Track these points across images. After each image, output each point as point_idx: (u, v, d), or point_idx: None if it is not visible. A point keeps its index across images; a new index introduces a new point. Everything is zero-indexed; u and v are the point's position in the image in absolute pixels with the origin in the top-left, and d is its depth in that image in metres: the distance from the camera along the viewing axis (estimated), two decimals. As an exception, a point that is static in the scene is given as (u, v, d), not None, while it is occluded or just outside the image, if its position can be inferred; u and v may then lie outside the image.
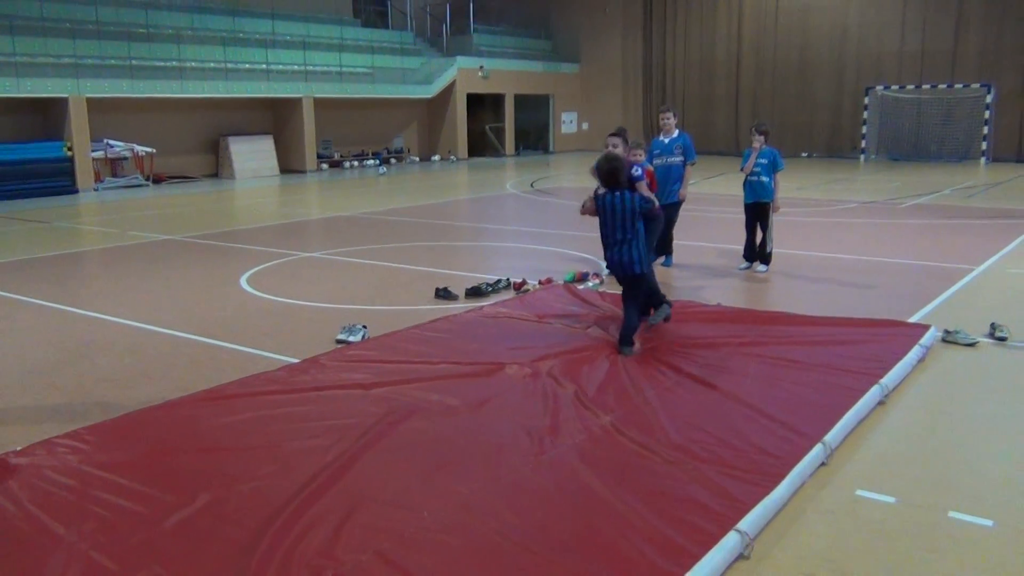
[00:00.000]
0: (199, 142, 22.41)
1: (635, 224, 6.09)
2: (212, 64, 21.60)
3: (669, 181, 9.36)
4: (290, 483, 3.89)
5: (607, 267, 6.19)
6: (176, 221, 13.94)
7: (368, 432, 4.49)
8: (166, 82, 20.19)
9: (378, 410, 4.82)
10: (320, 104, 23.66)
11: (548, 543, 3.40)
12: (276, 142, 23.43)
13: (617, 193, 6.15)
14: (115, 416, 4.86)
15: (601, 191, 6.32)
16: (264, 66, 22.74)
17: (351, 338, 6.49)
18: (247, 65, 22.40)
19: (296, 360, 5.92)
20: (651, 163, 9.51)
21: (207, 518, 3.62)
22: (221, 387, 5.29)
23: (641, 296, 6.28)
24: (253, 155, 22.73)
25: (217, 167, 22.57)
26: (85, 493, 3.85)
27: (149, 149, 20.13)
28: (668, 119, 9.46)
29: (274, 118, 23.87)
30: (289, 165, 23.51)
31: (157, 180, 20.58)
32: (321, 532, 3.46)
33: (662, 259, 9.44)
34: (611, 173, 6.19)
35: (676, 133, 9.44)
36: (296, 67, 23.57)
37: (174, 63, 20.78)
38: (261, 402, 4.98)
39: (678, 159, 9.33)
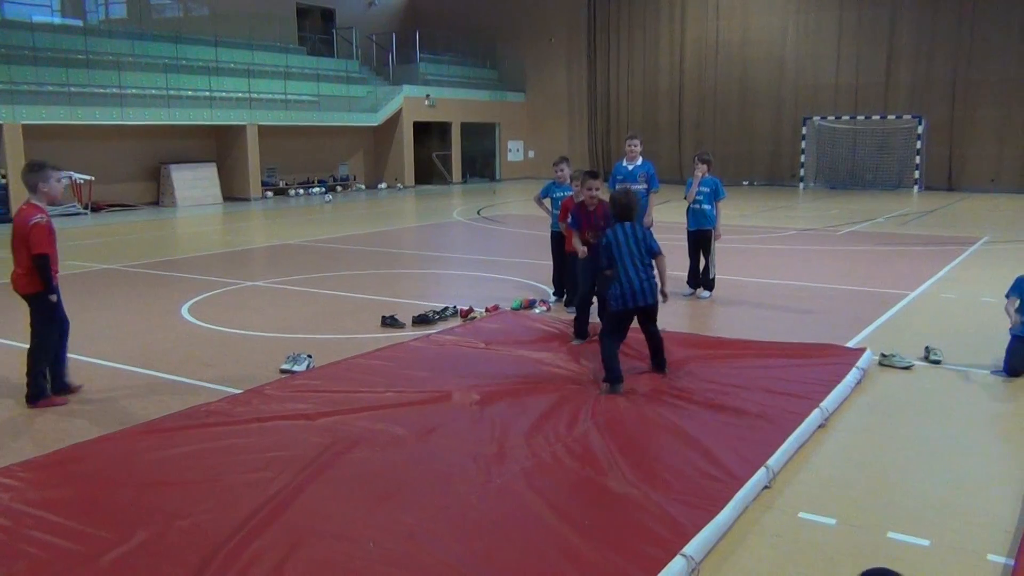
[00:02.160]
0: (140, 170, 22.01)
1: (648, 254, 6.16)
2: (154, 91, 21.30)
3: None
4: (231, 518, 3.80)
5: (613, 300, 6.04)
6: (115, 250, 13.65)
7: (312, 463, 4.43)
8: (106, 109, 19.83)
9: (323, 440, 4.75)
10: (265, 132, 23.46)
11: (495, 572, 3.38)
12: (220, 170, 23.14)
13: (628, 225, 6.21)
14: (49, 451, 4.71)
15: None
16: (207, 93, 22.50)
17: (296, 368, 6.41)
18: (190, 92, 22.13)
19: (239, 391, 5.82)
20: (613, 188, 9.62)
21: (145, 556, 3.52)
22: (160, 420, 5.17)
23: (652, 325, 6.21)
24: (195, 183, 22.40)
25: (158, 195, 22.18)
26: (17, 532, 3.72)
27: (88, 177, 19.69)
28: (635, 146, 9.56)
29: (217, 145, 23.59)
30: (233, 193, 23.22)
31: (96, 208, 20.14)
32: (263, 568, 3.39)
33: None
34: (627, 207, 6.28)
35: (640, 161, 9.56)
36: (240, 95, 23.36)
37: (114, 90, 20.43)
38: (201, 435, 4.87)
39: (642, 186, 9.45)
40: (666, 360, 6.19)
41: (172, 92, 21.61)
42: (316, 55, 28.54)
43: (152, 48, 22.53)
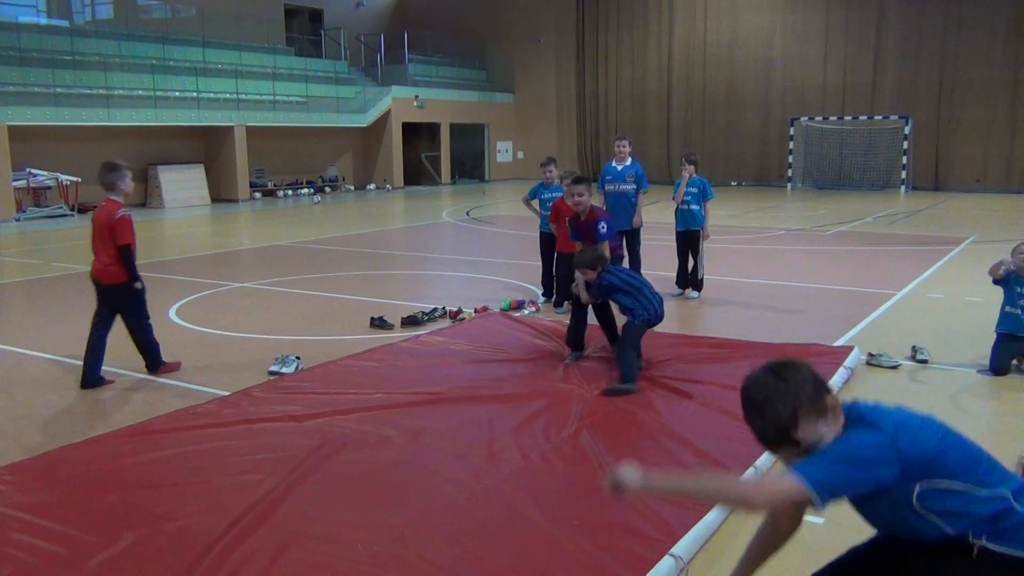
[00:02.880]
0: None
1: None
2: (141, 92, 21.20)
3: (620, 208, 9.51)
4: (219, 520, 3.79)
5: (639, 319, 6.17)
6: (102, 252, 13.55)
7: (300, 465, 4.42)
8: (92, 110, 19.73)
9: (311, 442, 4.74)
10: (253, 133, 23.38)
11: (484, 573, 3.38)
12: (207, 171, 23.04)
13: (611, 268, 6.47)
14: (35, 455, 4.68)
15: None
16: (195, 94, 22.41)
17: (284, 369, 6.39)
18: (177, 93, 22.05)
19: (227, 393, 5.80)
20: (602, 188, 9.65)
21: (131, 559, 3.50)
22: (147, 422, 5.15)
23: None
24: (183, 184, 22.31)
25: (146, 196, 22.07)
26: (2, 536, 3.70)
27: (74, 178, 19.59)
28: (623, 147, 9.60)
29: (205, 147, 23.50)
30: (221, 194, 23.14)
31: (83, 210, 20.00)
32: (252, 570, 3.38)
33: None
34: (597, 258, 6.40)
35: (629, 161, 9.59)
36: (228, 95, 23.28)
37: (101, 91, 20.33)
38: (189, 437, 4.86)
39: (630, 187, 9.48)
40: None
41: (159, 93, 21.53)
42: (304, 56, 28.47)
43: (139, 49, 22.43)
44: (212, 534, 3.66)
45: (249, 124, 23.22)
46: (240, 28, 25.54)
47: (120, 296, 6.19)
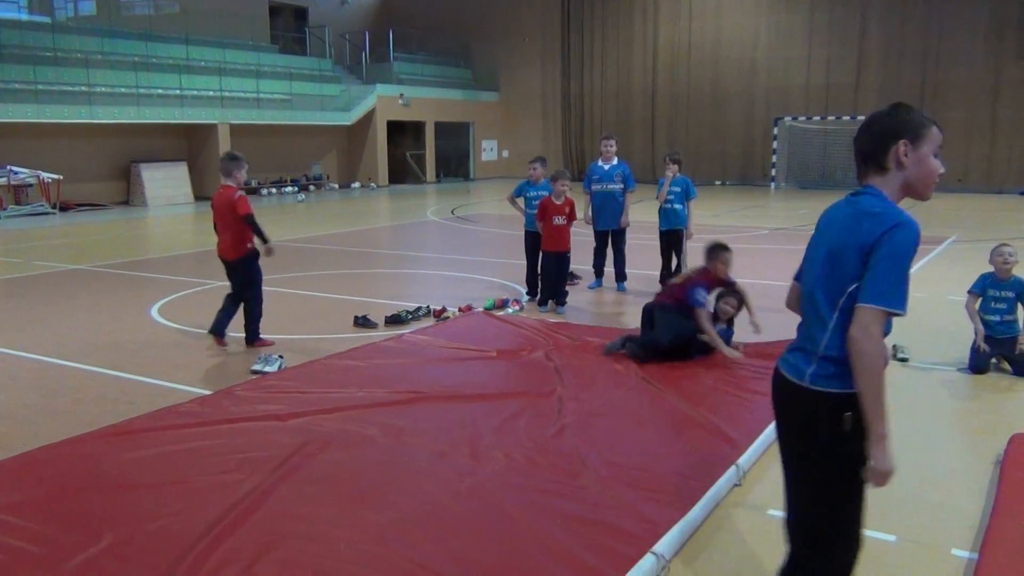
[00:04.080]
0: (109, 169, 21.76)
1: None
2: (123, 89, 21.06)
3: (607, 208, 9.54)
4: (200, 520, 3.77)
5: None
6: (84, 250, 13.48)
7: (283, 464, 4.40)
8: (74, 107, 19.58)
9: (294, 441, 4.73)
10: (236, 130, 23.27)
11: (466, 572, 3.39)
12: (190, 169, 22.92)
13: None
14: (14, 455, 4.65)
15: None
16: (178, 92, 22.28)
17: (267, 368, 6.36)
18: (160, 91, 21.91)
19: (209, 392, 5.77)
20: (588, 188, 9.68)
21: (111, 560, 3.48)
22: (128, 422, 5.12)
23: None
24: (166, 182, 22.18)
25: (128, 194, 21.94)
26: (-20, 537, 3.67)
27: (56, 176, 19.45)
28: (610, 146, 9.63)
29: (188, 144, 23.38)
30: (204, 192, 22.98)
31: (64, 208, 19.88)
32: (233, 570, 3.37)
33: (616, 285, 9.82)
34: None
35: (616, 161, 9.61)
36: (211, 93, 23.16)
37: (83, 88, 20.18)
38: (171, 436, 4.83)
39: (618, 186, 9.51)
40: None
41: (142, 90, 21.39)
42: (288, 53, 28.38)
43: (122, 46, 22.27)
44: (193, 534, 3.64)
45: (233, 122, 23.11)
46: (224, 25, 25.41)
47: (239, 269, 7.11)
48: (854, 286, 2.48)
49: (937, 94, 25.27)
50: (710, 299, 6.66)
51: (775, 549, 3.72)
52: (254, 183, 24.81)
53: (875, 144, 2.60)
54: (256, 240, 7.09)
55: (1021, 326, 6.41)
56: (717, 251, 6.73)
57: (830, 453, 2.57)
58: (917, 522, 4.02)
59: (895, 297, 2.41)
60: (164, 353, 7.06)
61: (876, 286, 2.41)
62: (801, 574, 2.73)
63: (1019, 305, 6.45)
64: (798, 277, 2.91)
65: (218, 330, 7.04)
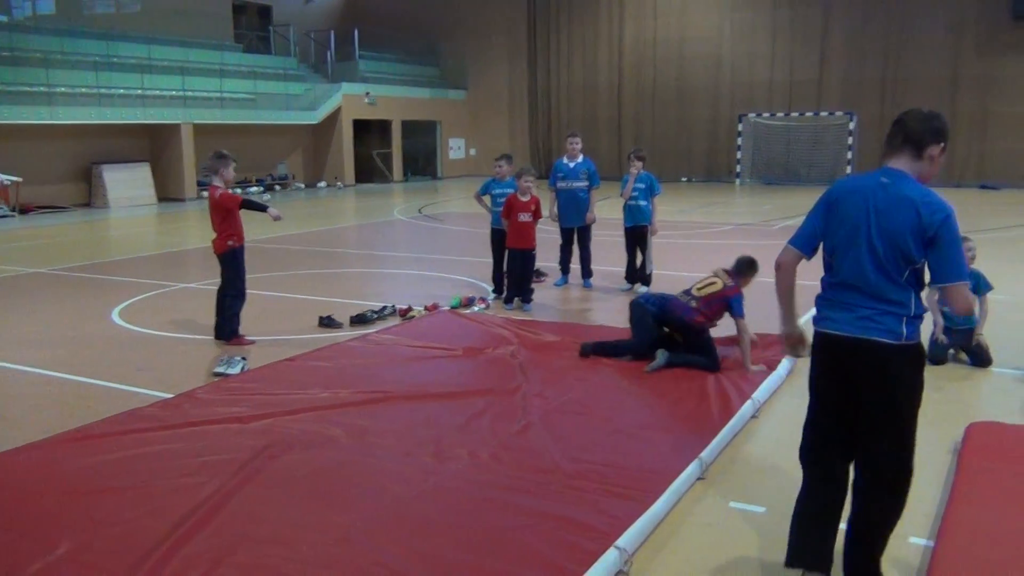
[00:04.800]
0: (70, 170, 21.40)
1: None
2: (84, 89, 20.71)
3: (572, 206, 9.55)
4: (160, 524, 3.73)
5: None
6: (44, 253, 13.25)
7: (245, 467, 4.37)
8: (33, 108, 19.24)
9: (256, 444, 4.69)
10: (200, 130, 22.98)
11: (431, 570, 3.38)
12: (153, 169, 22.61)
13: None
14: (-31, 462, 4.56)
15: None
16: (140, 92, 21.97)
17: (229, 371, 6.30)
18: (122, 90, 21.58)
19: (170, 395, 5.71)
20: (554, 185, 9.69)
21: (69, 566, 3.43)
22: (87, 427, 5.04)
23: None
24: (128, 183, 21.85)
25: (90, 196, 21.58)
26: (-67, 546, 3.60)
27: (15, 178, 19.07)
28: (575, 144, 9.66)
29: (151, 145, 23.05)
30: (167, 193, 22.72)
31: (24, 210, 19.51)
32: (194, 574, 3.33)
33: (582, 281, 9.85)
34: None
35: (581, 158, 9.64)
36: (174, 93, 22.86)
37: (42, 88, 19.83)
38: (130, 440, 4.77)
39: (583, 184, 9.53)
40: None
41: (103, 90, 21.05)
42: (252, 52, 28.09)
43: (82, 45, 21.89)
44: (153, 538, 3.60)
45: (196, 122, 22.84)
46: (186, 24, 25.10)
47: (222, 263, 7.38)
48: (920, 262, 3.05)
49: (898, 90, 25.64)
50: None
51: (737, 540, 3.77)
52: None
53: (926, 135, 3.12)
54: (267, 214, 7.51)
55: (978, 318, 6.53)
56: (753, 269, 6.59)
57: (914, 392, 3.13)
58: (875, 511, 4.07)
59: (966, 270, 3.08)
60: (125, 356, 6.97)
61: (957, 267, 3.03)
62: (886, 518, 3.21)
63: (976, 297, 6.57)
64: (793, 242, 3.35)
65: (237, 332, 7.34)
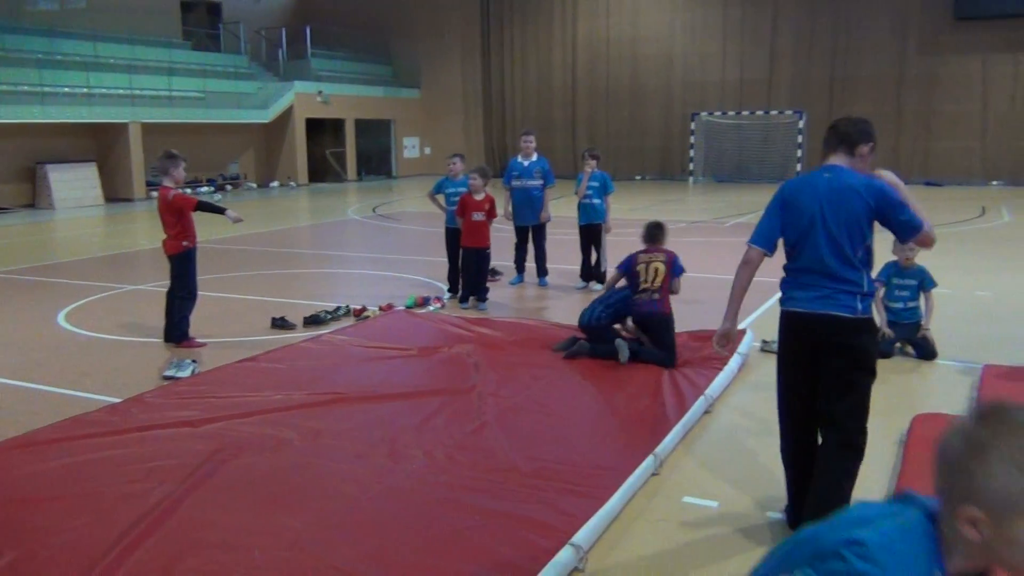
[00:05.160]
0: (13, 170, 20.83)
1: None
2: (27, 87, 20.18)
3: (527, 204, 9.56)
4: (108, 532, 3.65)
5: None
6: (-14, 256, 12.89)
7: (195, 472, 4.29)
8: (-28, 106, 18.72)
9: (207, 448, 4.61)
10: (149, 129, 22.54)
11: (384, 573, 3.36)
12: (100, 169, 22.12)
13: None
14: (-94, 472, 4.42)
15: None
16: (85, 90, 21.48)
17: (180, 374, 6.20)
18: (66, 89, 21.08)
19: (118, 400, 5.59)
20: (508, 184, 9.69)
21: (12, 576, 3.34)
22: (31, 433, 4.91)
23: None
24: (74, 183, 21.36)
25: (34, 197, 21.04)
26: None
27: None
28: (529, 142, 9.66)
29: (98, 144, 22.55)
30: (115, 193, 22.26)
31: (-36, 212, 18.99)
32: (142, 581, 3.27)
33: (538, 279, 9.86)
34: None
35: (535, 157, 9.64)
36: (121, 91, 22.39)
37: (-19, 86, 19.31)
38: (77, 447, 4.66)
39: (537, 182, 9.54)
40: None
41: (47, 88, 20.54)
42: (202, 50, 27.63)
43: (25, 42, 21.32)
44: (101, 547, 3.52)
45: (144, 121, 22.40)
46: (133, 21, 24.60)
47: (174, 265, 7.28)
48: (871, 239, 3.54)
49: (846, 88, 26.14)
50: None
51: (690, 535, 3.81)
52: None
53: (857, 136, 3.62)
54: (224, 217, 7.33)
55: (923, 313, 6.69)
56: (663, 228, 6.90)
57: (869, 359, 3.56)
58: (825, 503, 4.14)
59: (918, 219, 3.52)
60: (71, 361, 6.81)
61: (912, 221, 3.51)
62: (843, 479, 3.55)
63: (921, 292, 6.72)
64: (755, 241, 3.80)
65: (187, 335, 7.24)
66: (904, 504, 1.44)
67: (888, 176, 3.62)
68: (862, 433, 3.58)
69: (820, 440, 3.65)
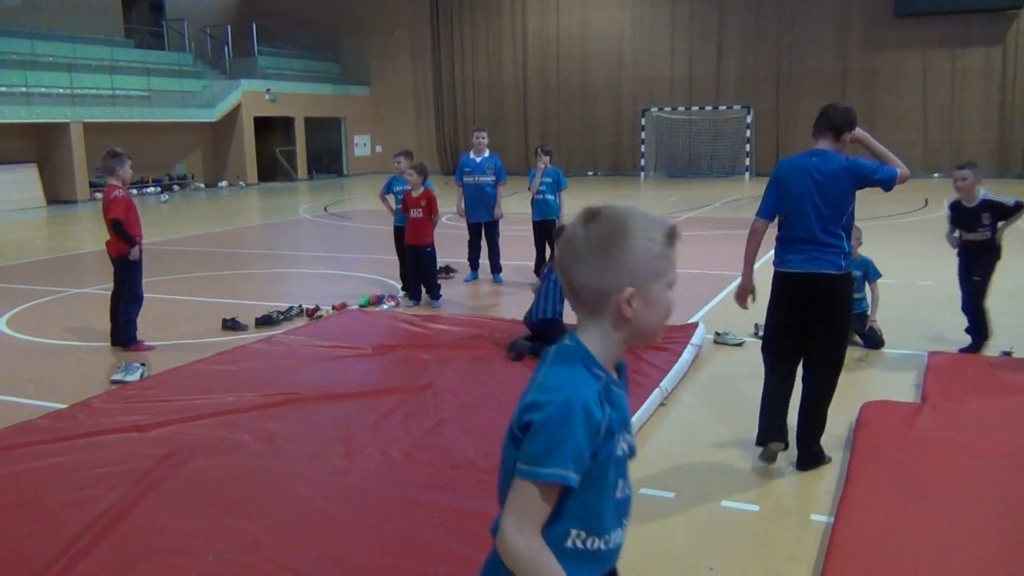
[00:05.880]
0: (-52, 172, 20.22)
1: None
2: (-39, 87, 19.62)
3: (479, 201, 9.52)
4: (55, 542, 3.55)
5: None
6: (-79, 261, 12.48)
7: (146, 477, 4.20)
8: (-96, 107, 18.10)
9: (157, 452, 4.51)
10: (91, 129, 22.00)
11: (343, 574, 3.32)
12: (41, 171, 21.55)
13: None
14: None
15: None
16: (23, 89, 20.90)
17: (128, 378, 6.06)
18: (3, 88, 20.49)
19: (64, 406, 5.44)
20: (460, 180, 9.63)
21: (-46, 590, 3.24)
22: (-27, 442, 4.76)
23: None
24: (14, 186, 20.78)
25: (-29, 199, 20.45)
26: None
27: None
28: (481, 138, 9.62)
29: (38, 145, 21.94)
30: (57, 195, 21.71)
31: (-102, 216, 18.35)
32: (91, 591, 3.19)
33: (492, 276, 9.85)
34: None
35: (487, 153, 9.61)
36: (61, 90, 21.83)
37: (-87, 86, 18.68)
38: (21, 455, 4.52)
39: (489, 178, 9.51)
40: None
41: (-18, 88, 19.98)
42: (145, 48, 27.10)
43: (-42, 40, 20.74)
44: (47, 556, 3.43)
45: (86, 120, 21.87)
46: (73, 18, 24.02)
47: (117, 268, 7.12)
48: (852, 207, 4.32)
49: (792, 83, 26.57)
50: None
51: (646, 526, 3.83)
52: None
53: (843, 123, 4.31)
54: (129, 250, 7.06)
55: (869, 304, 6.81)
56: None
57: (850, 302, 4.49)
58: (778, 492, 4.21)
59: (891, 169, 4.31)
60: (14, 367, 6.63)
61: (888, 173, 4.28)
62: (827, 394, 4.43)
63: (866, 283, 6.84)
64: (760, 214, 4.51)
65: (135, 338, 7.12)
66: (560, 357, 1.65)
67: (859, 134, 4.39)
68: (839, 362, 4.43)
69: (805, 369, 4.43)
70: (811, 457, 4.41)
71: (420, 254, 8.55)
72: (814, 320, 4.31)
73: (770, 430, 4.36)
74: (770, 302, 4.51)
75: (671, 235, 1.62)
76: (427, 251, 8.58)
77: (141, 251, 7.12)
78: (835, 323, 4.34)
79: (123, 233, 6.96)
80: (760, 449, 4.40)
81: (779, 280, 4.41)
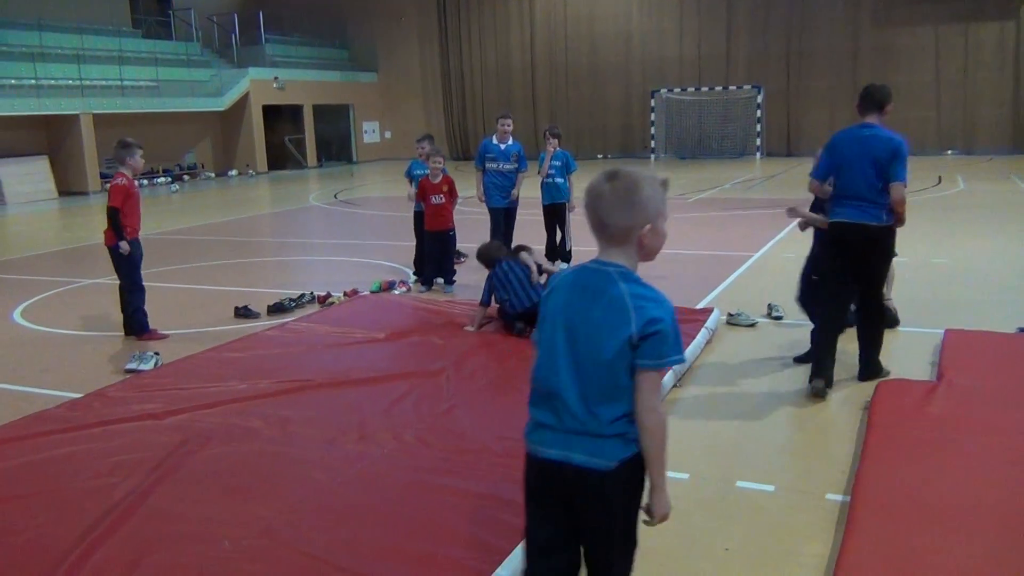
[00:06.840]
0: (-39, 166, 20.33)
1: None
2: (-29, 80, 19.68)
3: (500, 187, 9.44)
4: (72, 530, 3.57)
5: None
6: (-64, 254, 12.56)
7: (161, 464, 4.22)
8: (-85, 100, 18.18)
9: (172, 440, 4.53)
10: (101, 120, 22.06)
11: (357, 558, 3.33)
12: (52, 163, 21.65)
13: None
14: None
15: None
16: (33, 81, 20.96)
17: (142, 366, 6.09)
18: (12, 80, 20.56)
19: (79, 395, 5.47)
20: (481, 166, 9.55)
21: (-26, 578, 3.26)
22: (-10, 432, 4.80)
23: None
24: (26, 178, 20.89)
25: (-16, 192, 20.56)
26: None
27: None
28: (507, 125, 9.49)
29: (49, 137, 22.04)
30: (69, 187, 21.81)
31: (-89, 209, 18.48)
32: (109, 577, 3.21)
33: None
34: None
35: (511, 140, 9.53)
36: (71, 82, 21.88)
37: (-77, 79, 18.76)
38: (37, 444, 4.55)
39: (512, 166, 9.44)
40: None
41: (-8, 80, 20.04)
42: (153, 38, 27.09)
43: (-33, 33, 20.78)
44: (65, 544, 3.45)
45: (96, 111, 21.92)
46: (81, 9, 24.04)
47: (113, 257, 7.06)
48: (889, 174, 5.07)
49: (802, 63, 26.34)
50: None
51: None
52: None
53: (885, 98, 5.24)
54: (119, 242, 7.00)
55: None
56: None
57: (891, 251, 5.41)
58: (794, 471, 4.19)
59: (905, 176, 5.09)
60: (29, 357, 6.67)
61: (899, 175, 5.07)
62: (883, 309, 5.62)
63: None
64: (815, 175, 5.51)
65: (147, 327, 7.13)
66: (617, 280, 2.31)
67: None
68: (882, 296, 5.47)
69: (858, 300, 5.36)
70: (872, 370, 5.31)
71: (444, 239, 8.55)
72: (860, 261, 5.17)
73: (818, 368, 5.19)
74: (824, 250, 5.55)
75: (665, 185, 2.34)
76: (450, 235, 8.60)
77: (137, 245, 7.07)
78: (880, 265, 5.31)
79: (115, 224, 6.94)
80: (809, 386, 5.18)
81: (832, 228, 5.28)
